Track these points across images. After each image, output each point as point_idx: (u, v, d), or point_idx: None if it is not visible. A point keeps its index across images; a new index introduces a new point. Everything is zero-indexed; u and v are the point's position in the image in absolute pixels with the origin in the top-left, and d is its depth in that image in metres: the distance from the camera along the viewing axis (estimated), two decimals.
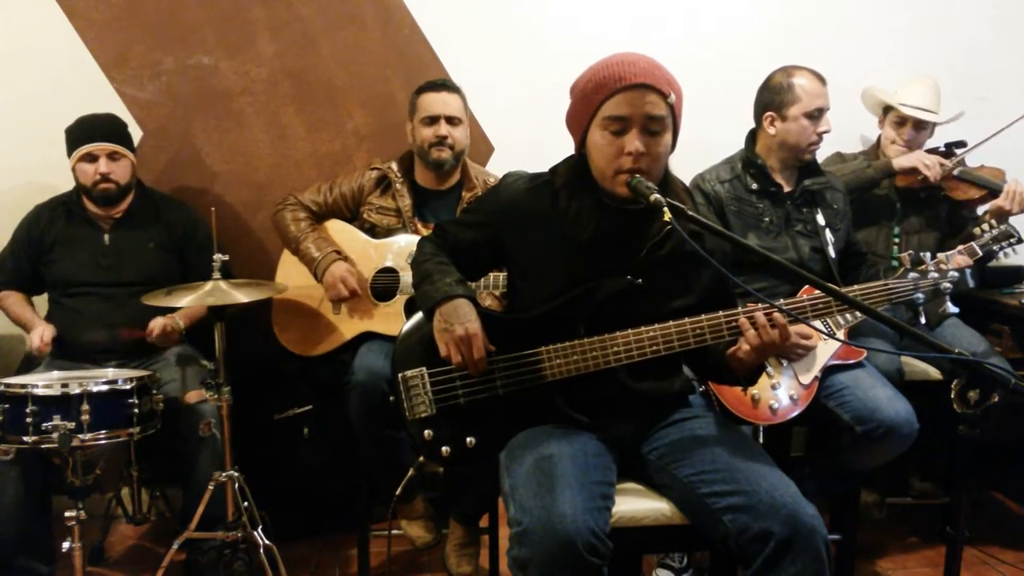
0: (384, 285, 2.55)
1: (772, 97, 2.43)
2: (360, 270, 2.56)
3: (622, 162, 1.55)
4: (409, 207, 2.58)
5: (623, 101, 1.54)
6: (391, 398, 1.75)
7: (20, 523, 2.20)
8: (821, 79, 2.41)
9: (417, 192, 2.63)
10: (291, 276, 2.63)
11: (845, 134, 3.14)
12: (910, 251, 1.78)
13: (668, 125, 1.58)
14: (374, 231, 2.61)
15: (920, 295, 1.69)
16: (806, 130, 2.38)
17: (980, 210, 2.84)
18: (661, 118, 1.55)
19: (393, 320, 2.47)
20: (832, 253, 2.45)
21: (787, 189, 2.48)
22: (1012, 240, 2.47)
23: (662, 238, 1.62)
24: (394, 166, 2.63)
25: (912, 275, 1.71)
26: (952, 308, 1.73)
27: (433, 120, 2.54)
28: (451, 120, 2.56)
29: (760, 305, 1.55)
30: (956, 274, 1.71)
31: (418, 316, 1.76)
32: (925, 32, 3.21)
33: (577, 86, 1.63)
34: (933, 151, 2.86)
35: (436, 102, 2.55)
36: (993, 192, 2.71)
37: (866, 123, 3.05)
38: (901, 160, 2.73)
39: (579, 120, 1.62)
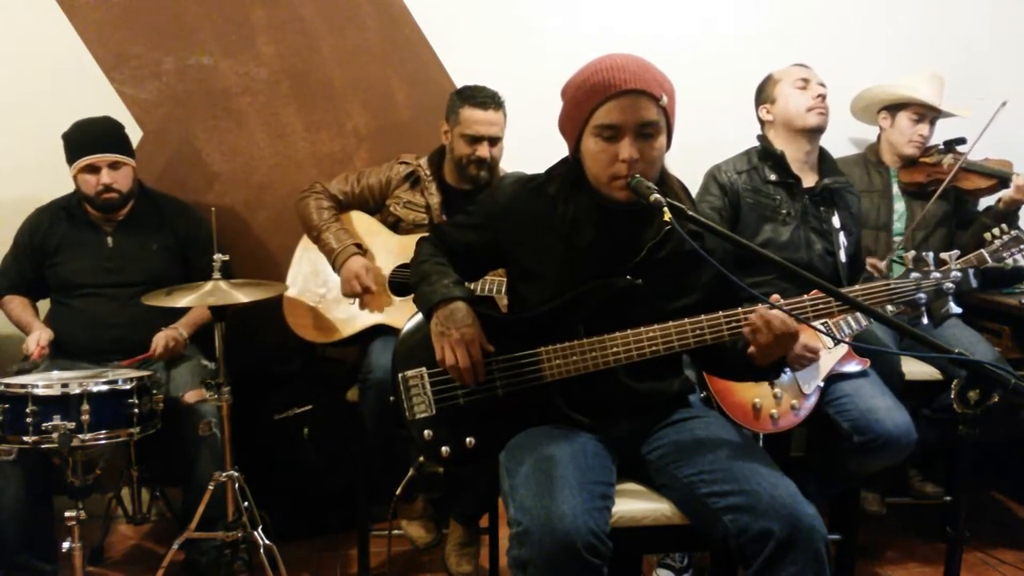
0: (402, 280, 2.54)
1: (759, 95, 2.59)
2: (379, 264, 2.56)
3: (617, 169, 1.55)
4: (438, 205, 2.59)
5: (614, 108, 1.53)
6: (391, 398, 1.75)
7: (22, 522, 2.21)
8: (801, 65, 2.54)
9: (445, 191, 2.63)
10: (309, 260, 2.64)
11: (844, 135, 3.15)
12: (912, 251, 1.77)
13: (662, 128, 1.57)
14: (398, 225, 2.62)
15: (922, 295, 1.68)
16: (797, 97, 2.46)
17: (991, 199, 2.81)
18: (654, 122, 1.55)
19: (408, 316, 2.47)
20: (843, 257, 2.45)
21: (806, 185, 2.49)
22: (1023, 246, 2.45)
23: (662, 239, 1.62)
24: (424, 163, 2.63)
25: (914, 275, 1.70)
26: (955, 308, 1.72)
27: (476, 139, 2.52)
28: (493, 141, 2.54)
29: (761, 306, 1.54)
30: (959, 274, 1.70)
31: (418, 316, 1.77)
32: (925, 32, 3.20)
33: (568, 90, 1.62)
34: (933, 148, 2.85)
35: (482, 122, 2.51)
36: (1003, 181, 2.70)
37: (863, 124, 3.05)
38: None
39: (572, 125, 1.61)
